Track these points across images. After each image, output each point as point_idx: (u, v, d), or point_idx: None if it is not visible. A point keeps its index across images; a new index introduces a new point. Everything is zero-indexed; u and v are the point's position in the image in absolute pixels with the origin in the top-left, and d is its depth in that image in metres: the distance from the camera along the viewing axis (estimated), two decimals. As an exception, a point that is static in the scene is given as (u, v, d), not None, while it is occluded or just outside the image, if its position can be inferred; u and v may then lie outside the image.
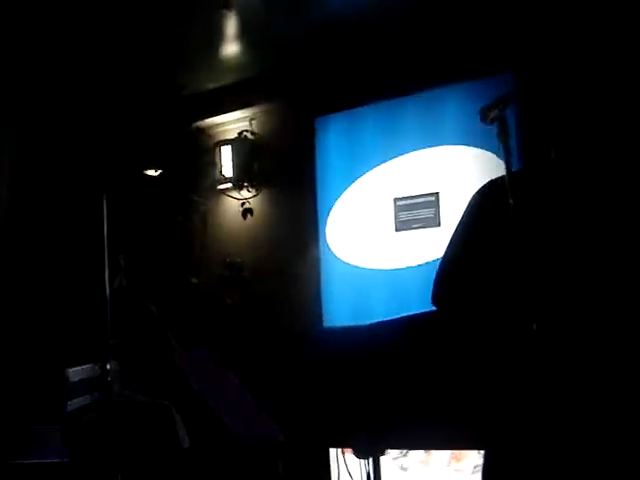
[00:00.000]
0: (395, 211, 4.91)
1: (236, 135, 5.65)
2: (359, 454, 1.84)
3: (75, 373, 2.13)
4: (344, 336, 1.61)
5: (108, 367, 2.20)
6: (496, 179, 2.19)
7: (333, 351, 1.61)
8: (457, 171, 4.62)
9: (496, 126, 1.86)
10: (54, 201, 4.70)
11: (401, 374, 1.62)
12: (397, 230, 4.89)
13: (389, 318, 1.76)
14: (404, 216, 4.87)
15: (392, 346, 1.59)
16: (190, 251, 5.84)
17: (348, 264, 5.10)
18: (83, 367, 2.20)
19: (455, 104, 4.66)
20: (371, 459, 1.85)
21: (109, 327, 2.18)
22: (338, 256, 5.15)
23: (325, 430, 1.82)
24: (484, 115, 1.88)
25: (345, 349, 1.59)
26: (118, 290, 2.28)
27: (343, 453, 3.34)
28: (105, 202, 2.32)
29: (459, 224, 2.22)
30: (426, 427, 1.69)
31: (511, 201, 1.82)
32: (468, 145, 4.59)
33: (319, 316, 5.10)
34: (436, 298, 2.18)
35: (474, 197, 2.23)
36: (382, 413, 1.66)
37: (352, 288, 5.05)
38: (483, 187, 2.22)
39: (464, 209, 2.23)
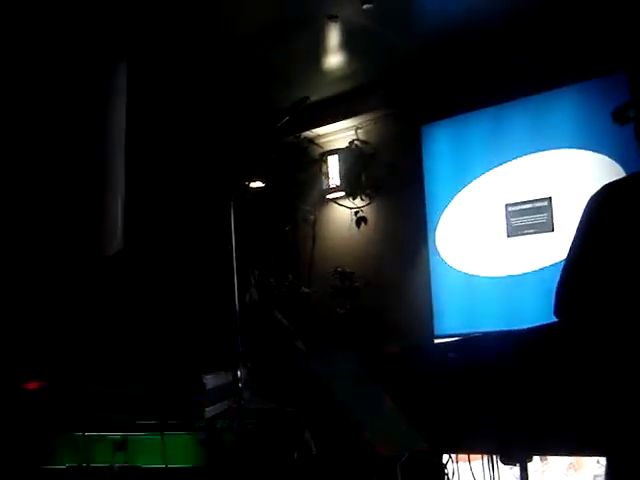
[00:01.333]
0: (507, 217, 4.86)
1: (345, 144, 5.71)
2: (507, 460, 1.84)
3: (210, 380, 2.20)
4: (484, 343, 1.62)
5: (239, 374, 2.26)
6: (613, 182, 2.15)
7: (475, 359, 1.62)
8: (569, 175, 4.53)
9: (632, 126, 1.82)
10: (177, 212, 4.83)
11: (543, 381, 1.62)
12: (509, 236, 4.83)
13: (525, 327, 1.75)
14: (516, 222, 4.81)
15: (533, 355, 1.58)
16: (299, 261, 5.92)
17: (459, 271, 5.07)
18: (216, 374, 2.26)
19: (565, 107, 4.59)
20: (519, 465, 1.84)
21: (239, 336, 2.24)
22: (449, 263, 5.13)
23: (472, 437, 1.82)
24: (618, 116, 1.84)
25: (488, 357, 1.59)
26: (250, 304, 2.34)
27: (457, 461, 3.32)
28: (233, 214, 2.38)
29: (578, 230, 2.17)
30: (568, 433, 1.68)
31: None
32: (580, 148, 4.50)
33: (430, 325, 5.09)
34: (560, 308, 2.13)
35: (592, 201, 2.17)
36: (531, 420, 1.66)
37: (463, 296, 5.02)
38: (600, 191, 2.17)
39: (582, 215, 2.18)
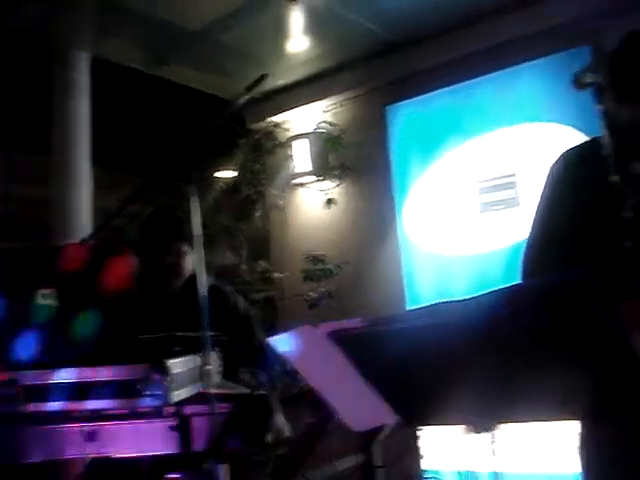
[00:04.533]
0: (476, 193, 4.86)
1: (312, 128, 5.70)
2: (473, 428, 1.83)
3: (176, 364, 2.16)
4: (447, 311, 1.60)
5: (208, 358, 2.23)
6: (569, 149, 2.17)
7: (438, 326, 1.60)
8: (536, 148, 4.54)
9: (590, 92, 1.81)
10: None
11: (508, 345, 1.60)
12: (479, 212, 4.84)
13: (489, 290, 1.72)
14: (486, 198, 4.82)
15: (498, 318, 1.56)
16: (270, 246, 5.90)
17: (428, 250, 5.09)
18: (184, 359, 2.23)
19: (530, 81, 4.60)
20: (488, 433, 1.83)
21: (206, 319, 2.21)
22: (417, 242, 5.14)
23: (436, 408, 1.81)
24: (577, 81, 1.83)
25: (449, 324, 1.57)
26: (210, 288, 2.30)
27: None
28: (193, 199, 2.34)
29: (541, 199, 2.19)
30: (534, 398, 1.67)
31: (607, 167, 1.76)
32: (547, 121, 4.51)
33: (402, 305, 5.08)
34: (525, 277, 2.14)
35: (549, 171, 2.20)
36: (494, 385, 1.65)
37: (434, 274, 5.02)
38: (556, 160, 2.20)
39: (544, 184, 2.20)
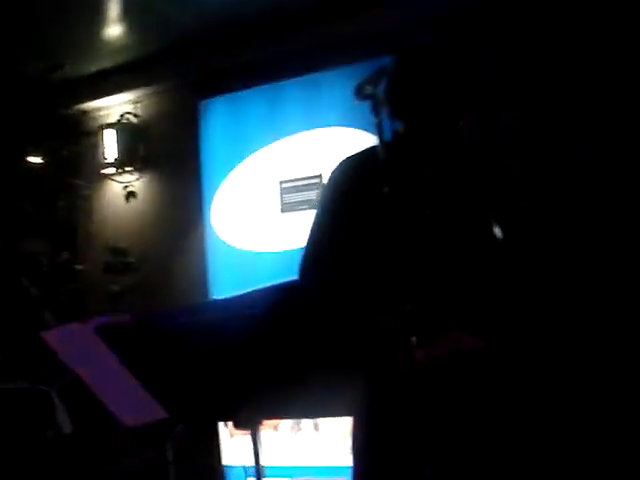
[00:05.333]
0: (280, 193, 4.96)
1: (119, 118, 5.57)
2: (238, 425, 1.88)
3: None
4: (213, 310, 1.64)
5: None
6: (349, 156, 2.28)
7: (205, 326, 1.63)
8: (337, 152, 4.68)
9: (369, 103, 1.89)
10: None
11: (271, 344, 1.66)
12: (282, 212, 4.94)
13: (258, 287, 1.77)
14: (289, 198, 4.92)
15: (261, 317, 1.62)
16: (74, 236, 5.73)
17: (235, 247, 5.10)
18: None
19: (335, 87, 4.73)
20: (250, 430, 1.88)
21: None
22: (225, 239, 5.15)
23: (206, 405, 1.84)
24: (358, 92, 1.91)
25: (214, 323, 1.61)
26: None
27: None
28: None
29: (318, 206, 2.29)
30: (298, 396, 1.74)
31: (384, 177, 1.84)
32: (347, 126, 4.68)
33: (206, 299, 5.09)
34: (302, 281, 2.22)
35: (329, 177, 2.31)
36: (256, 383, 1.70)
37: (239, 272, 5.06)
38: (336, 166, 2.30)
39: (322, 191, 2.30)
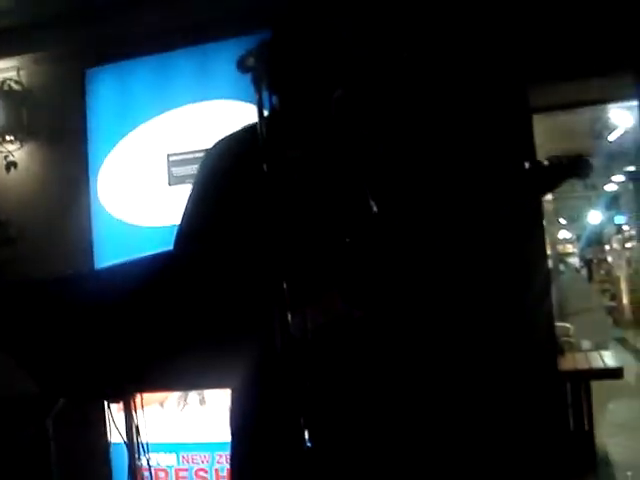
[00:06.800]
0: (168, 166, 4.88)
1: (0, 84, 5.36)
2: (108, 398, 1.85)
3: None
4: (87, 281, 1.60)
5: None
6: (225, 136, 2.28)
7: (79, 296, 1.59)
8: (226, 125, 4.64)
9: (251, 75, 1.88)
10: None
11: (145, 315, 1.63)
12: (170, 185, 4.87)
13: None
14: (177, 171, 4.86)
15: (134, 287, 1.59)
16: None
17: (122, 220, 5.01)
18: None
19: (225, 59, 4.66)
20: (123, 402, 1.85)
21: None
22: (111, 212, 5.04)
23: (80, 378, 1.79)
24: (240, 64, 1.90)
25: (89, 291, 1.57)
26: None
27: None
28: None
29: (193, 186, 2.28)
30: (176, 368, 1.71)
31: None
32: (238, 99, 4.64)
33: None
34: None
35: (204, 157, 2.31)
36: (128, 355, 1.67)
37: (126, 245, 4.96)
38: (212, 147, 2.29)
39: (197, 171, 2.30)
